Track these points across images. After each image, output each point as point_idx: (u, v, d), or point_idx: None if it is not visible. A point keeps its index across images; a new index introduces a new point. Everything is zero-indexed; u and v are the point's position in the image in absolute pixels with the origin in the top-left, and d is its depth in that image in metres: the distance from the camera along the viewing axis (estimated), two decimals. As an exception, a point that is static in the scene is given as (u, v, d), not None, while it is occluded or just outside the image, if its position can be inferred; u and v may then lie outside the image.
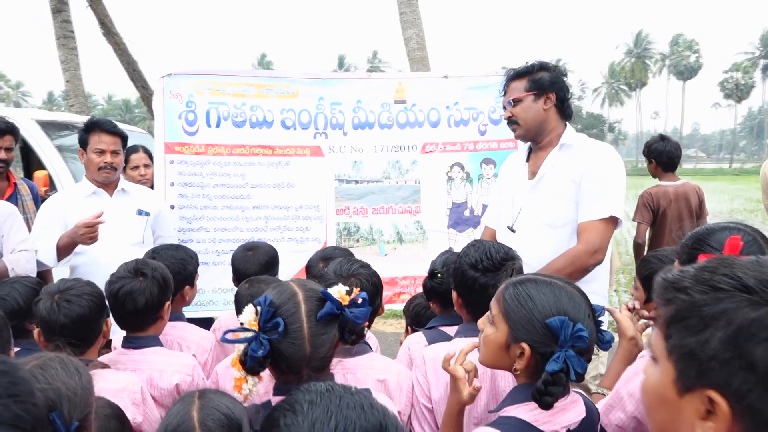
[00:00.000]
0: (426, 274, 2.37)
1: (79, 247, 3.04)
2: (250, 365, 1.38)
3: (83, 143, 3.26)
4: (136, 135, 5.93)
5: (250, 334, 1.39)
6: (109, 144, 3.24)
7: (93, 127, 3.25)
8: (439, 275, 2.30)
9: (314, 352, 1.42)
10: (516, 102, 2.65)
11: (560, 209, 2.57)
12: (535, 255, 2.47)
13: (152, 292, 2.11)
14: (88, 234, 2.90)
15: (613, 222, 2.52)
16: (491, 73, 4.07)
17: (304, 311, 1.42)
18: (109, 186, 3.33)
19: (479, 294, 1.90)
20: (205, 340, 2.49)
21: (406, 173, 4.04)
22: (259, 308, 1.41)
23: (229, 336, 1.40)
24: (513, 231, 2.71)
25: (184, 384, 2.06)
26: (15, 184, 3.79)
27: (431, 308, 2.42)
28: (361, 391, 0.96)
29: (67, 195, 3.39)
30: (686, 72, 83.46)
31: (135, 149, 4.20)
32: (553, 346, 1.40)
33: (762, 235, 1.64)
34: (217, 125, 3.86)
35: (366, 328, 1.59)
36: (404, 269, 3.99)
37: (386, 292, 3.57)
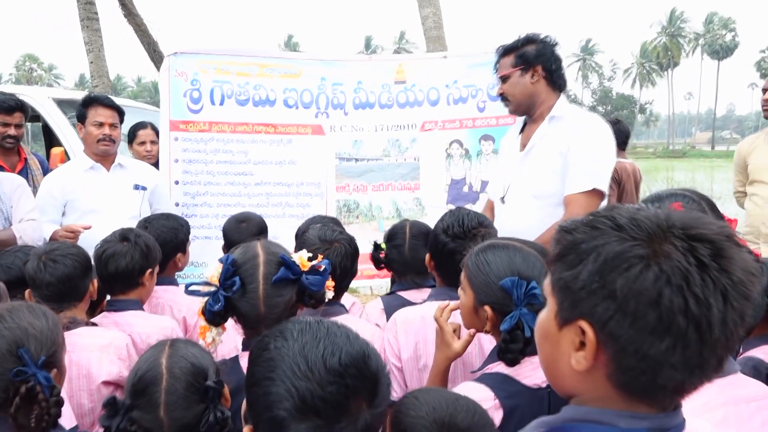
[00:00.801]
0: None
1: (76, 219, 3.15)
2: (208, 317, 1.50)
3: (81, 118, 3.37)
4: (149, 113, 6.08)
5: (212, 289, 1.50)
6: (107, 117, 3.32)
7: (91, 101, 3.36)
8: (381, 246, 2.39)
9: (268, 312, 1.51)
10: (505, 78, 2.69)
11: (547, 181, 2.59)
12: (523, 226, 2.49)
13: (133, 257, 2.22)
14: (68, 237, 2.99)
15: (599, 195, 2.52)
16: (490, 50, 4.08)
17: (261, 273, 1.52)
18: (106, 161, 3.40)
19: (448, 258, 1.98)
20: (195, 304, 2.58)
21: (406, 151, 4.11)
22: (222, 265, 1.52)
23: (192, 288, 1.51)
24: (503, 202, 2.75)
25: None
26: (25, 158, 3.95)
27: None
28: (347, 326, 1.05)
29: (66, 170, 3.47)
30: (721, 51, 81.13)
31: (143, 125, 4.34)
32: (511, 306, 1.46)
33: (709, 202, 1.68)
34: (221, 103, 3.96)
35: (330, 292, 1.66)
36: (403, 244, 4.07)
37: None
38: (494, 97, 4.02)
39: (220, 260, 1.54)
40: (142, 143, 4.29)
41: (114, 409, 1.29)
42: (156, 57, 9.40)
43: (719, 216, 1.68)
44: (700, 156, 54.54)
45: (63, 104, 5.30)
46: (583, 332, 0.81)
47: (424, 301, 2.11)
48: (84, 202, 3.25)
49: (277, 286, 1.51)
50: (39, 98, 5.18)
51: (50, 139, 6.34)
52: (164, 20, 10.39)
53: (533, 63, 2.63)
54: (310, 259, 1.60)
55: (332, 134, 4.06)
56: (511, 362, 1.46)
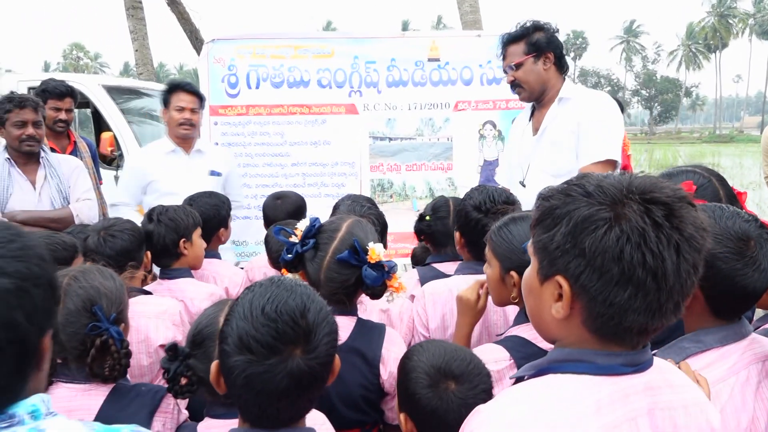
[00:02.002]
0: None
1: (154, 200, 3.24)
2: (282, 261, 1.68)
3: (165, 103, 3.49)
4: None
5: (294, 240, 1.67)
6: (188, 102, 3.44)
7: (174, 87, 3.50)
8: (427, 218, 2.44)
9: (325, 283, 1.63)
10: (518, 66, 2.72)
11: (562, 159, 2.67)
12: None
13: (159, 233, 2.37)
14: None
15: (612, 164, 2.60)
16: (523, 30, 4.08)
17: (333, 246, 1.64)
18: (187, 145, 3.52)
19: (480, 234, 2.00)
20: (237, 276, 2.77)
21: (439, 131, 4.16)
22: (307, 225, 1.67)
23: (282, 234, 1.70)
24: (524, 186, 2.81)
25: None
26: (75, 142, 4.15)
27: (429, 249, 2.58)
28: (301, 286, 1.17)
29: (150, 151, 3.62)
30: (773, 31, 78.04)
31: None
32: None
33: (719, 177, 1.73)
34: (257, 86, 4.08)
35: (395, 292, 1.71)
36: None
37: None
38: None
39: (311, 219, 1.69)
40: None
41: (174, 355, 1.41)
42: (198, 44, 9.62)
43: (729, 190, 1.76)
44: (748, 141, 52.67)
45: (112, 91, 5.53)
46: (560, 286, 0.94)
47: (445, 274, 2.20)
48: (163, 183, 3.38)
49: (339, 264, 1.62)
50: (90, 85, 5.42)
51: (98, 124, 6.61)
52: (204, 7, 10.58)
53: (545, 50, 2.68)
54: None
55: (366, 113, 4.14)
56: None
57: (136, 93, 6.28)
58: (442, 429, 1.32)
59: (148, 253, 2.36)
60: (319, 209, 3.34)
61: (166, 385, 1.44)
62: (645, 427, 0.92)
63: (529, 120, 2.88)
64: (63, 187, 3.22)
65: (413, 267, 2.87)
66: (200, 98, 3.54)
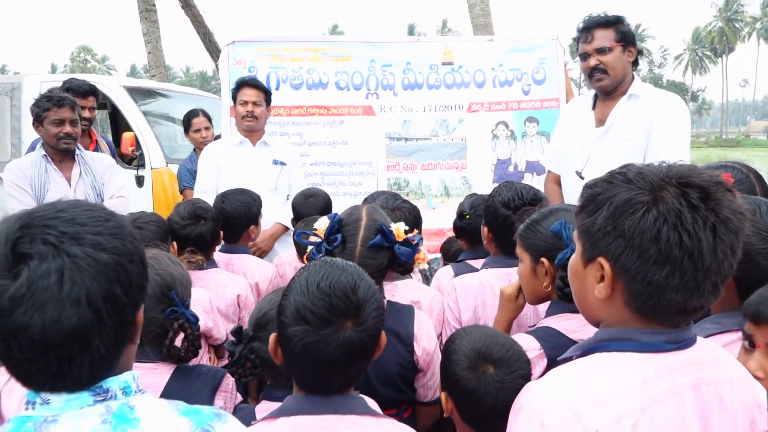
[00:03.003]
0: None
1: (224, 187, 3.36)
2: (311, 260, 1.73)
3: (234, 99, 3.73)
4: (208, 100, 6.41)
5: (317, 240, 1.72)
6: (251, 96, 3.64)
7: (241, 84, 3.69)
8: (467, 216, 2.54)
9: None
10: (606, 50, 2.67)
11: (628, 155, 2.58)
12: None
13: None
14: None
15: None
16: (534, 36, 4.24)
17: (360, 236, 1.70)
18: (253, 137, 3.73)
19: (508, 230, 2.06)
20: (267, 270, 2.87)
21: (453, 131, 4.29)
22: (329, 222, 1.73)
23: (303, 236, 1.75)
24: (581, 177, 2.81)
25: (243, 295, 2.49)
26: (96, 140, 4.28)
27: (460, 245, 2.68)
28: (351, 266, 1.28)
29: (222, 143, 3.91)
30: (780, 36, 77.82)
31: (195, 113, 4.60)
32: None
33: (757, 174, 1.80)
34: (277, 88, 4.21)
35: (423, 264, 1.79)
36: (451, 221, 4.24)
37: (434, 242, 3.86)
38: (539, 80, 4.20)
39: (328, 217, 1.74)
40: (197, 131, 4.55)
41: (239, 338, 1.51)
42: (211, 47, 9.77)
43: (766, 187, 1.81)
44: (755, 145, 52.60)
45: (133, 92, 5.64)
46: (602, 267, 1.00)
47: (478, 269, 2.27)
48: (231, 173, 3.60)
49: (371, 250, 1.67)
50: (111, 86, 5.53)
51: (115, 125, 6.74)
52: (215, 11, 10.73)
53: (632, 42, 2.73)
54: (406, 232, 1.76)
55: (382, 115, 4.27)
56: (570, 297, 1.60)
57: (154, 94, 6.42)
58: (479, 410, 1.41)
59: (174, 243, 2.46)
60: (338, 207, 3.43)
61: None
62: (691, 402, 0.97)
63: (592, 110, 2.86)
64: (97, 185, 3.36)
65: (445, 263, 2.96)
66: (264, 92, 3.71)
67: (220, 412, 0.98)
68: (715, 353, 1.06)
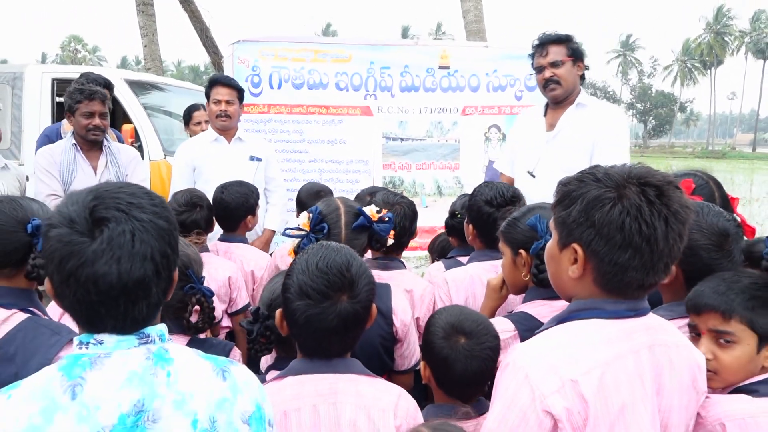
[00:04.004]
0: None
1: (201, 185, 3.46)
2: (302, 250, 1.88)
3: (207, 96, 3.75)
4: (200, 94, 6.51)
5: (303, 233, 1.89)
6: (224, 95, 3.66)
7: (213, 82, 3.74)
8: (458, 215, 2.70)
9: None
10: (559, 64, 2.96)
11: (577, 158, 2.90)
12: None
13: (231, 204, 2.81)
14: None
15: None
16: (528, 44, 4.39)
17: (343, 221, 1.90)
18: (228, 134, 3.76)
19: (491, 226, 2.25)
20: (263, 259, 2.99)
21: (447, 133, 4.47)
22: (311, 215, 1.90)
23: (289, 232, 1.90)
24: (533, 176, 3.06)
25: (234, 277, 2.67)
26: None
27: (450, 243, 2.83)
28: (345, 248, 1.46)
29: (197, 140, 3.88)
30: (767, 50, 78.90)
31: (197, 107, 4.73)
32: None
33: (716, 182, 1.99)
34: (279, 87, 4.37)
35: (390, 240, 1.99)
36: (443, 219, 4.40)
37: (426, 240, 4.01)
38: (531, 87, 4.37)
39: (309, 211, 1.91)
40: (198, 123, 4.67)
41: (256, 317, 1.66)
42: (208, 42, 9.88)
43: (723, 194, 2.00)
44: (740, 157, 53.35)
45: (133, 85, 5.74)
46: (575, 251, 1.19)
47: (468, 262, 2.42)
48: (207, 169, 3.64)
49: (355, 231, 1.89)
50: (113, 79, 5.61)
51: (114, 116, 6.81)
52: (213, 7, 10.83)
53: (580, 57, 2.99)
54: (378, 212, 1.96)
55: (380, 115, 4.45)
56: (543, 282, 1.75)
57: (153, 88, 6.52)
58: (450, 375, 1.61)
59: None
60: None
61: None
62: (646, 359, 1.16)
63: (543, 116, 3.12)
64: (121, 175, 3.49)
65: (435, 260, 3.12)
66: (237, 90, 3.73)
67: (232, 360, 1.15)
68: (664, 322, 1.26)
